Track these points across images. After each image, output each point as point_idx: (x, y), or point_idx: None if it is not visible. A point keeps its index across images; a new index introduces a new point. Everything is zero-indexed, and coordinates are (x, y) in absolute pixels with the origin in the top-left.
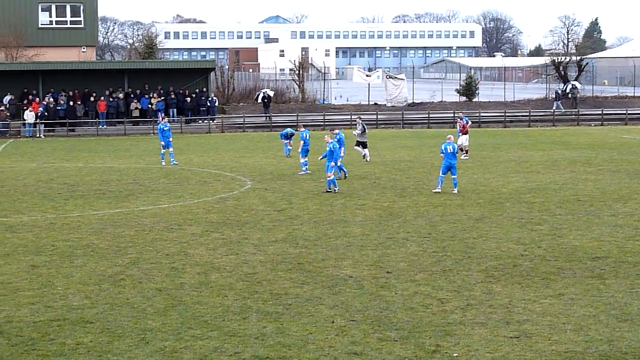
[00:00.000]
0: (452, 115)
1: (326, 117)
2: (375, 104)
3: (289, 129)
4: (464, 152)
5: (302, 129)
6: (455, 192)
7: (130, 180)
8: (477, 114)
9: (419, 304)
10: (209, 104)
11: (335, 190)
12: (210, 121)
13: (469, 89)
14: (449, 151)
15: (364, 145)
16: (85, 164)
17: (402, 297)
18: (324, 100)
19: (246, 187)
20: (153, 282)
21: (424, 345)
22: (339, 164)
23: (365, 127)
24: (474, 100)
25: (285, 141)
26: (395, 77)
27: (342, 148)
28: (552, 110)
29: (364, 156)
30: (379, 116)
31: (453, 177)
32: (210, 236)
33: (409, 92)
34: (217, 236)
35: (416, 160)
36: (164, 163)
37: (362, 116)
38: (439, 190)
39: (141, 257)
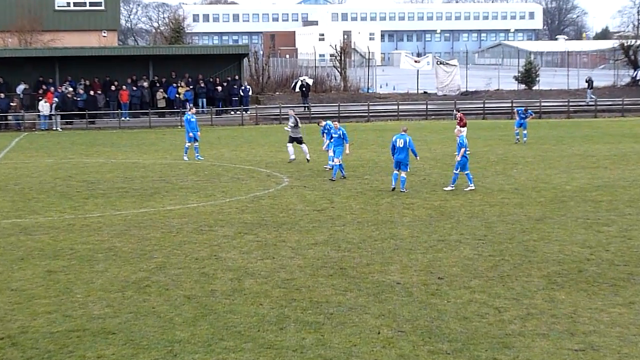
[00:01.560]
0: (509, 105)
1: (371, 108)
2: (425, 92)
3: (328, 123)
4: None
5: (324, 123)
6: (404, 191)
7: (156, 177)
8: (538, 104)
9: (474, 313)
10: (241, 93)
11: (343, 177)
12: (243, 112)
13: (528, 76)
14: (398, 145)
15: (298, 141)
16: (107, 159)
17: (455, 305)
18: (368, 88)
19: (283, 185)
20: (181, 289)
21: (479, 358)
22: (338, 161)
23: (298, 120)
24: (534, 88)
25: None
26: (447, 63)
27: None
28: (620, 100)
29: (307, 160)
30: (428, 106)
31: (402, 174)
32: (244, 238)
33: (462, 79)
34: (251, 238)
35: (470, 154)
36: (186, 158)
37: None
38: (393, 188)
39: (168, 262)
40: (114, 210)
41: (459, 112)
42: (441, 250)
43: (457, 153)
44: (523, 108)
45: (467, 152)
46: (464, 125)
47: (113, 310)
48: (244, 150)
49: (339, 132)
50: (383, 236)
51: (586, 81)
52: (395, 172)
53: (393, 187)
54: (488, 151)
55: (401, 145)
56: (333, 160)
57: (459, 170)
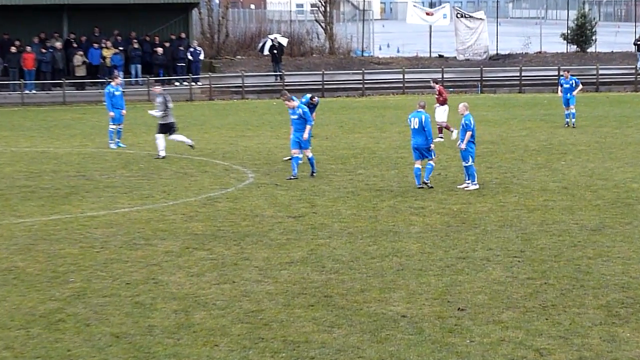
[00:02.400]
0: (555, 74)
1: (366, 78)
2: (441, 56)
3: (308, 96)
4: (450, 131)
5: (316, 99)
6: (428, 183)
7: (73, 172)
8: (594, 72)
9: (507, 356)
10: (190, 57)
11: (314, 173)
12: (193, 83)
13: (581, 34)
14: (413, 126)
15: (169, 128)
16: (4, 147)
17: (482, 346)
18: (362, 51)
19: (246, 182)
20: (107, 325)
21: None
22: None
23: (169, 99)
24: (588, 50)
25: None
26: (471, 17)
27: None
28: None
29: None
30: (445, 75)
31: (429, 162)
32: (194, 255)
33: (491, 38)
34: (203, 255)
35: (502, 141)
36: (113, 146)
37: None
38: (419, 186)
39: (89, 287)
40: (14, 218)
41: (437, 82)
42: (462, 272)
43: (460, 139)
44: (564, 77)
45: (473, 140)
46: (443, 102)
47: (13, 353)
48: (193, 135)
49: (298, 112)
50: (383, 252)
51: (635, 43)
52: (417, 165)
53: (418, 185)
54: (526, 136)
55: (416, 126)
56: (300, 152)
57: (470, 161)
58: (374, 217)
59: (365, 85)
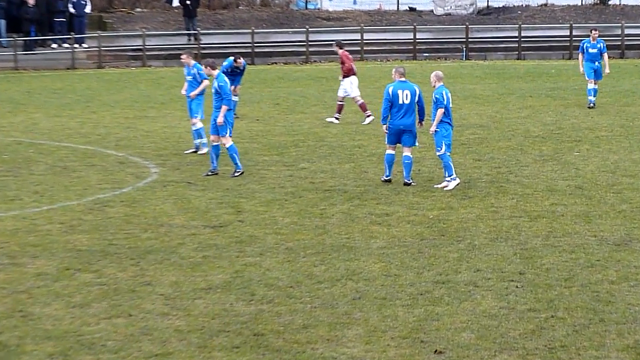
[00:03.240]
0: (567, 33)
1: (312, 39)
2: (412, 9)
3: (231, 59)
4: (365, 115)
5: (241, 60)
6: (410, 181)
7: None
8: (619, 31)
9: None
10: (71, 9)
11: (237, 172)
12: (76, 45)
13: None
14: (402, 101)
15: None
16: None
17: None
18: (307, 2)
19: (149, 180)
20: None
21: None
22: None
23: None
24: (610, 2)
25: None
26: None
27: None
28: None
29: None
30: (419, 35)
31: (406, 152)
32: (76, 279)
33: None
34: (88, 279)
35: (495, 124)
36: None
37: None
38: (387, 179)
39: None
40: None
41: (340, 47)
42: (440, 301)
43: (432, 120)
44: (589, 39)
45: (448, 121)
46: (348, 72)
47: None
48: (76, 115)
49: (214, 85)
50: (333, 275)
51: None
52: (390, 150)
53: (387, 177)
54: (527, 118)
55: (407, 101)
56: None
57: (443, 149)
58: (322, 227)
59: (310, 49)
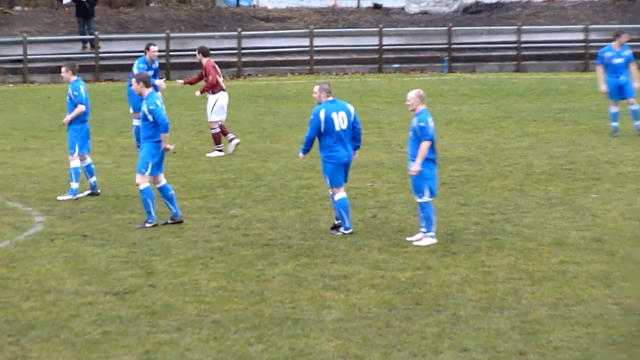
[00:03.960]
0: (579, 38)
1: (245, 45)
2: (377, 7)
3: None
4: (228, 139)
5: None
6: (346, 231)
7: None
8: None
9: None
10: None
11: (149, 223)
12: None
13: None
14: (338, 126)
15: None
16: None
17: None
18: None
19: (32, 231)
20: None
21: None
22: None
23: None
24: None
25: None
26: None
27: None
28: None
29: None
30: (386, 40)
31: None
32: None
33: None
34: None
35: (487, 157)
36: None
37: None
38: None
39: None
40: None
41: (204, 54)
42: None
43: (409, 157)
44: (611, 46)
45: (433, 158)
46: (213, 89)
47: None
48: None
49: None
50: (274, 357)
51: None
52: (342, 193)
53: (347, 229)
54: (528, 149)
55: (344, 126)
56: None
57: (426, 195)
58: (259, 294)
59: (243, 59)
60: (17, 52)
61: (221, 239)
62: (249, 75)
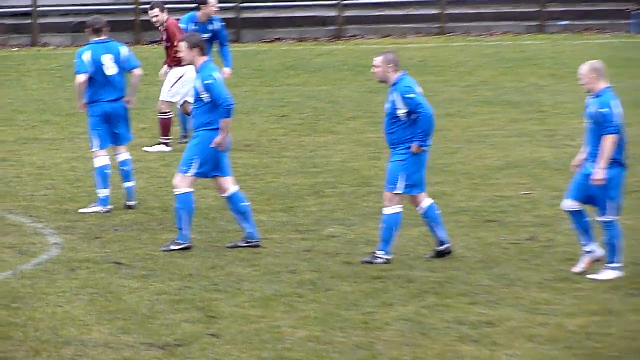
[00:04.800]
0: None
1: None
2: None
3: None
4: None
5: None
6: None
7: None
8: None
9: None
10: None
11: (249, 241)
12: None
13: None
14: None
15: None
16: None
17: None
18: None
19: (44, 257)
20: None
21: None
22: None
23: None
24: None
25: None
26: None
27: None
28: None
29: None
30: (344, 14)
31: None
32: None
33: None
34: None
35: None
36: None
37: None
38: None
39: None
40: None
41: (162, 9)
42: None
43: (587, 160)
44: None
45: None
46: (173, 62)
47: None
48: None
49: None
50: None
51: None
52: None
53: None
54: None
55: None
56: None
57: (612, 214)
58: (368, 348)
59: (346, 13)
60: (23, 1)
61: (313, 270)
62: (354, 36)
